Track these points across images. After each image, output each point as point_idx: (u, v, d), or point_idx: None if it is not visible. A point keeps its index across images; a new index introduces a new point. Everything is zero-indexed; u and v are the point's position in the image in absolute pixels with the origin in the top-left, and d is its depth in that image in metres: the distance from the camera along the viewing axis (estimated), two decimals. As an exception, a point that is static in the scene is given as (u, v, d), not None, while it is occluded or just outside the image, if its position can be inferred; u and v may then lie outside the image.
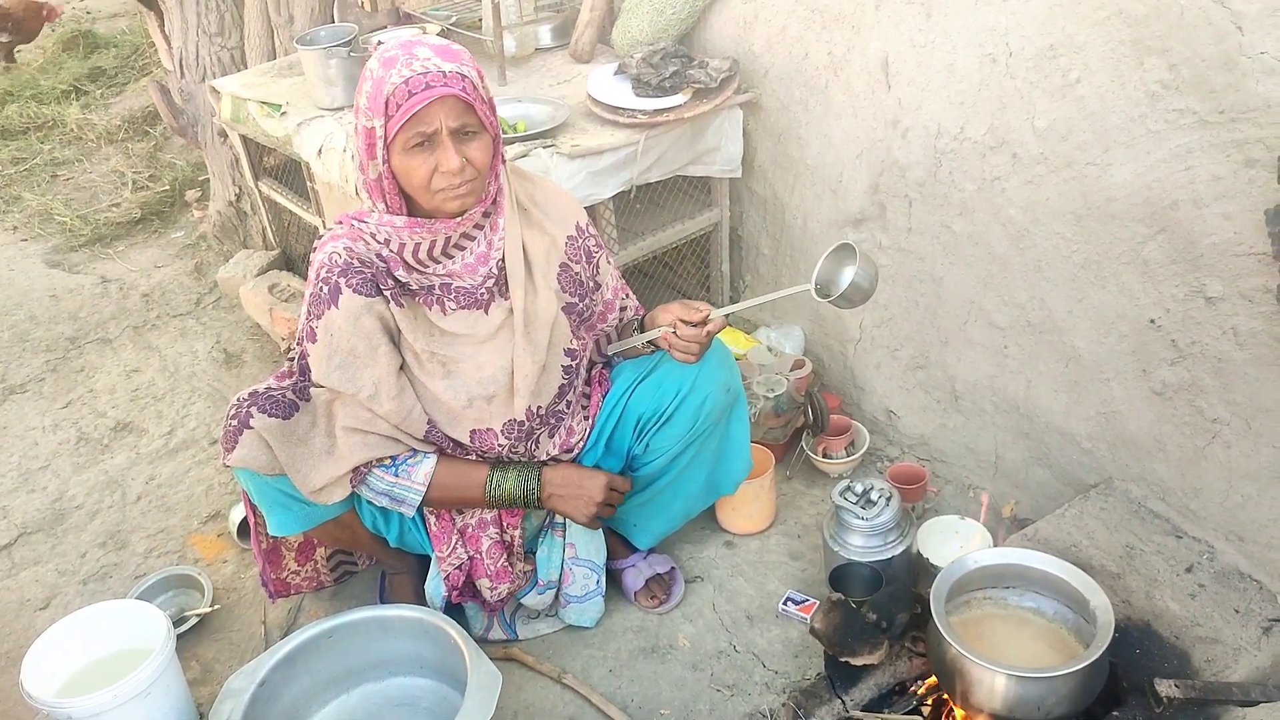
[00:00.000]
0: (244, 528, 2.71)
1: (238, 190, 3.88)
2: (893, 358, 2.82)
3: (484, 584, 2.29)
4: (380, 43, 1.98)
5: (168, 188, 4.64)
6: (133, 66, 6.05)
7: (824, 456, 2.75)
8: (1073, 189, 2.25)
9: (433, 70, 1.85)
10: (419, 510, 2.16)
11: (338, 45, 2.90)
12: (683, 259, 3.21)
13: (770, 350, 2.92)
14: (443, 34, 3.20)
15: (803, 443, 2.79)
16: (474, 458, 2.17)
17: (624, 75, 2.82)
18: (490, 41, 3.03)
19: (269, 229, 3.76)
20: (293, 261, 3.75)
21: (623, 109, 2.71)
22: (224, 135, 3.68)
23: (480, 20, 3.26)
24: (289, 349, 3.39)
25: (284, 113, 3.01)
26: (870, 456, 2.81)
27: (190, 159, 4.79)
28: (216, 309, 3.82)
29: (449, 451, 2.15)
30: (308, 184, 3.13)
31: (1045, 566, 2.04)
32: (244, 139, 3.43)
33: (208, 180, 4.28)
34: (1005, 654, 1.97)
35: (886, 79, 2.57)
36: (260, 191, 3.59)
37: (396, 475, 2.09)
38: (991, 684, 1.86)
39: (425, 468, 2.10)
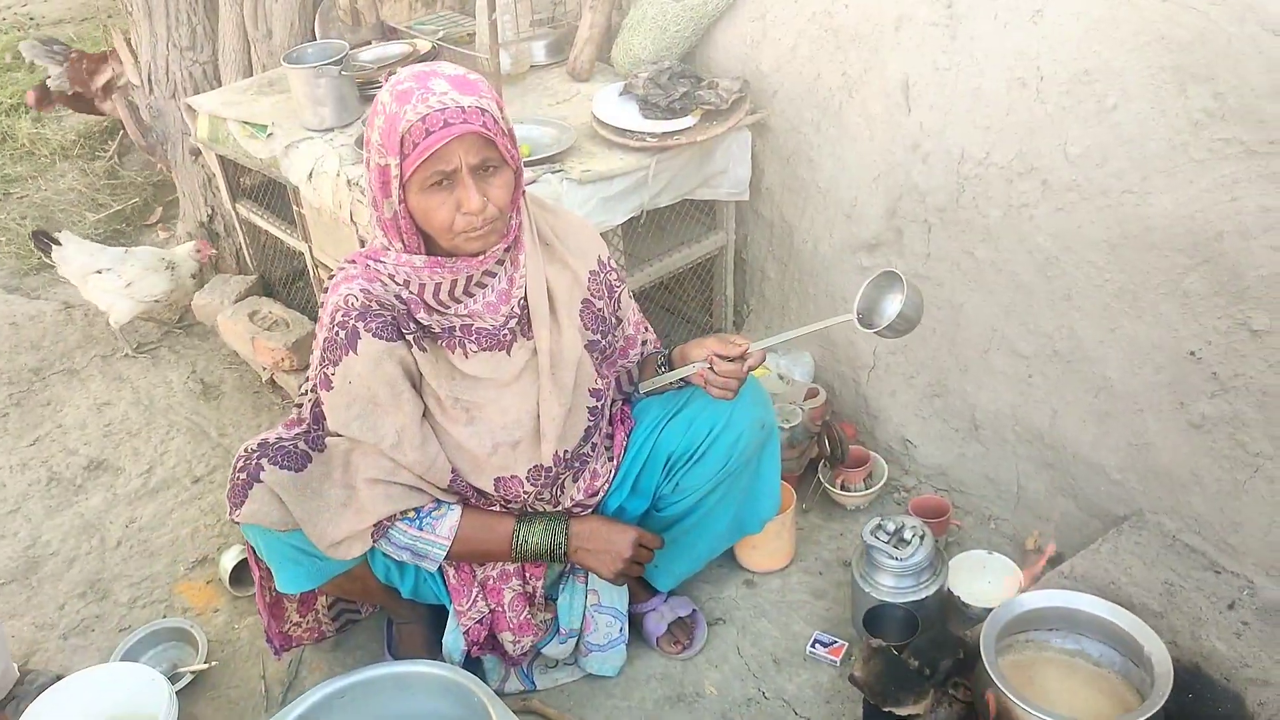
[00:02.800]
0: (236, 574, 2.58)
1: (210, 211, 3.71)
2: (909, 385, 2.75)
3: (507, 637, 2.18)
4: (393, 73, 1.85)
5: (128, 207, 4.44)
6: (85, 77, 5.81)
7: (841, 489, 2.67)
8: (1107, 217, 2.20)
9: (451, 106, 1.73)
10: None
11: (328, 64, 2.77)
12: (684, 283, 3.11)
13: (782, 379, 2.83)
14: (432, 49, 3.08)
15: (819, 475, 2.71)
16: (498, 508, 2.06)
17: (630, 96, 2.73)
18: (485, 59, 2.91)
19: (246, 252, 3.60)
20: (272, 286, 3.60)
21: (631, 131, 2.61)
22: (196, 154, 3.52)
23: (469, 35, 3.14)
24: (272, 379, 3.25)
25: (270, 134, 2.87)
26: (887, 487, 2.74)
27: (152, 177, 4.60)
28: (190, 336, 3.65)
29: (473, 501, 2.04)
30: (293, 208, 2.99)
31: (1096, 610, 1.98)
32: (220, 159, 3.27)
33: (174, 200, 4.10)
34: (1057, 702, 1.91)
35: (906, 102, 2.50)
36: (238, 213, 3.43)
37: (420, 529, 1.97)
38: (1052, 737, 1.80)
39: (450, 521, 1.98)
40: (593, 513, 2.17)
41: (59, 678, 2.22)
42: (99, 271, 3.38)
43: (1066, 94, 2.19)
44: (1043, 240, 2.33)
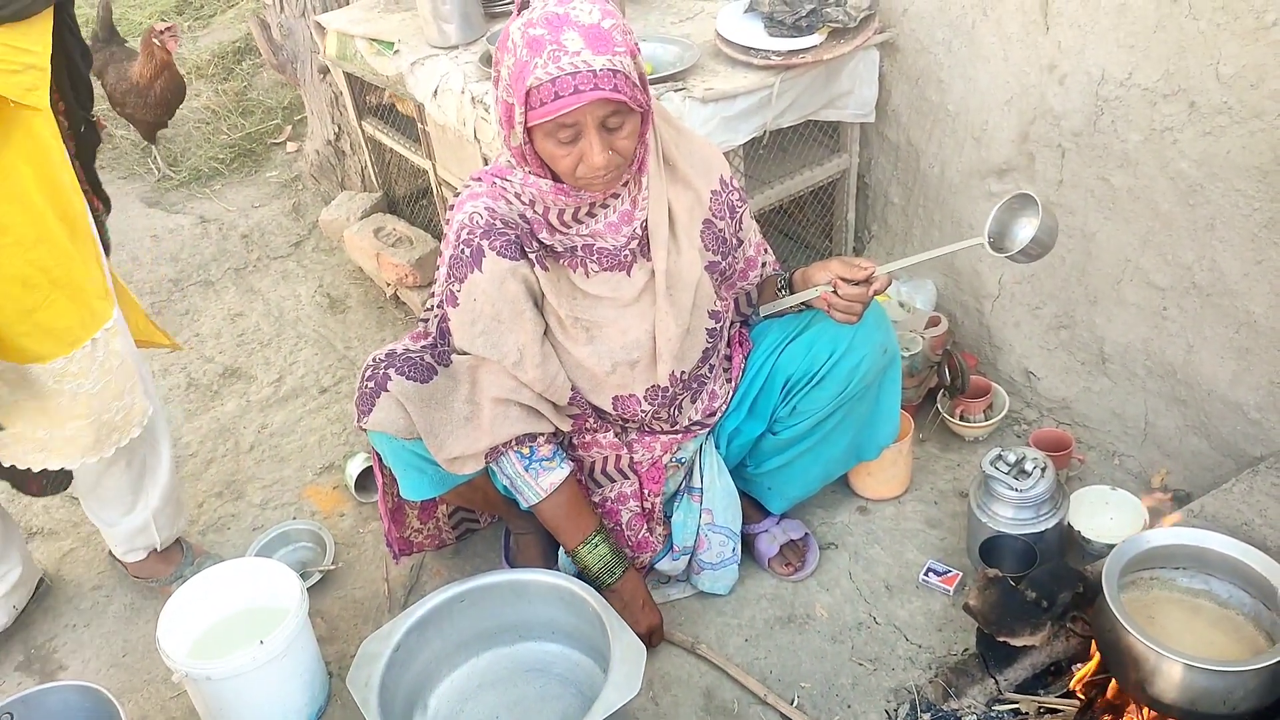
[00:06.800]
0: (361, 481, 2.67)
1: (337, 129, 3.78)
2: (1034, 316, 2.68)
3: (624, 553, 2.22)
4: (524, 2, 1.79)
5: (261, 125, 4.56)
6: (219, -2, 5.95)
7: (960, 420, 2.63)
8: (1260, 142, 2.08)
9: (582, 69, 1.68)
10: None
11: (453, -20, 2.77)
12: (803, 207, 3.06)
13: (903, 306, 2.78)
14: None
15: (938, 405, 2.67)
16: (612, 434, 2.12)
17: (755, 13, 2.67)
18: (609, -24, 2.88)
19: (370, 169, 3.67)
20: (396, 204, 3.67)
21: (756, 49, 2.56)
22: (325, 72, 3.58)
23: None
24: (396, 295, 3.33)
25: (397, 51, 2.90)
26: (1007, 419, 2.68)
27: (280, 97, 4.70)
28: (317, 252, 3.76)
29: (590, 421, 2.08)
30: (419, 125, 3.03)
31: (1227, 550, 1.91)
32: (348, 77, 3.33)
33: (302, 119, 4.19)
34: (1181, 641, 1.86)
35: (1045, 19, 2.39)
36: (363, 131, 3.49)
37: (526, 470, 2.03)
38: (1176, 675, 1.75)
39: (553, 478, 2.04)
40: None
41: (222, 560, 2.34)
42: None
43: (1222, 9, 2.07)
44: (1186, 166, 2.22)
